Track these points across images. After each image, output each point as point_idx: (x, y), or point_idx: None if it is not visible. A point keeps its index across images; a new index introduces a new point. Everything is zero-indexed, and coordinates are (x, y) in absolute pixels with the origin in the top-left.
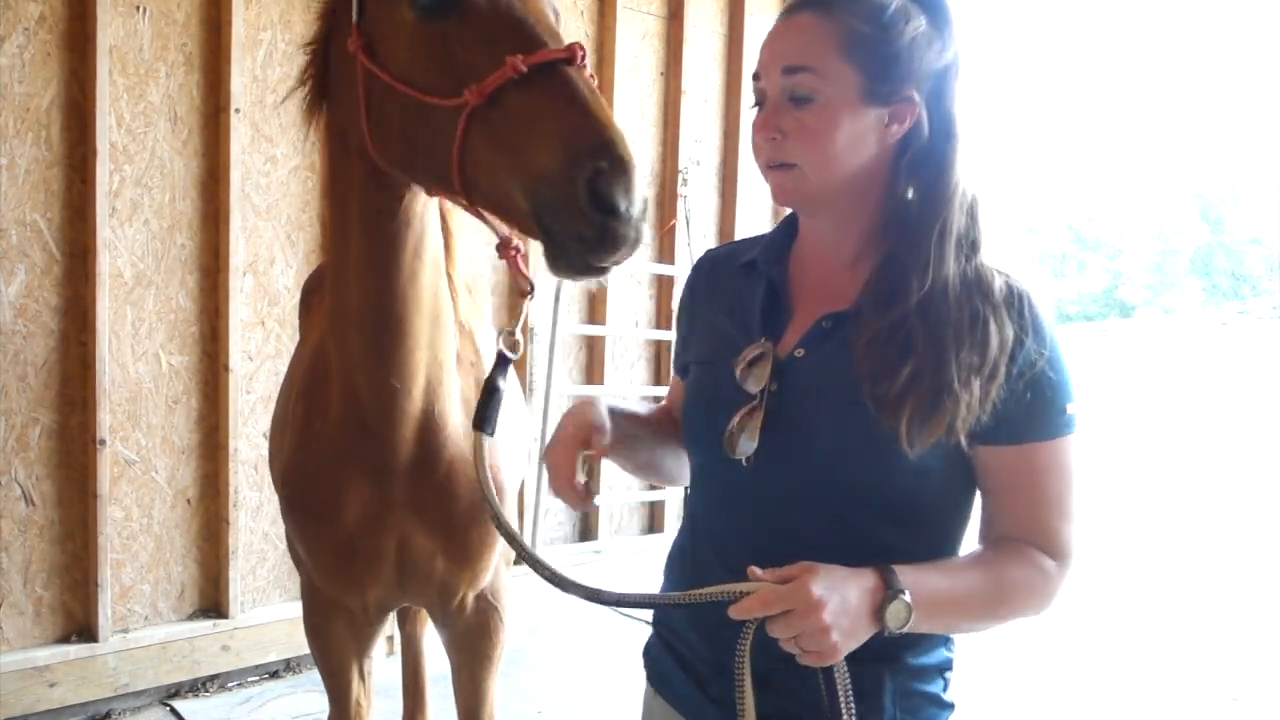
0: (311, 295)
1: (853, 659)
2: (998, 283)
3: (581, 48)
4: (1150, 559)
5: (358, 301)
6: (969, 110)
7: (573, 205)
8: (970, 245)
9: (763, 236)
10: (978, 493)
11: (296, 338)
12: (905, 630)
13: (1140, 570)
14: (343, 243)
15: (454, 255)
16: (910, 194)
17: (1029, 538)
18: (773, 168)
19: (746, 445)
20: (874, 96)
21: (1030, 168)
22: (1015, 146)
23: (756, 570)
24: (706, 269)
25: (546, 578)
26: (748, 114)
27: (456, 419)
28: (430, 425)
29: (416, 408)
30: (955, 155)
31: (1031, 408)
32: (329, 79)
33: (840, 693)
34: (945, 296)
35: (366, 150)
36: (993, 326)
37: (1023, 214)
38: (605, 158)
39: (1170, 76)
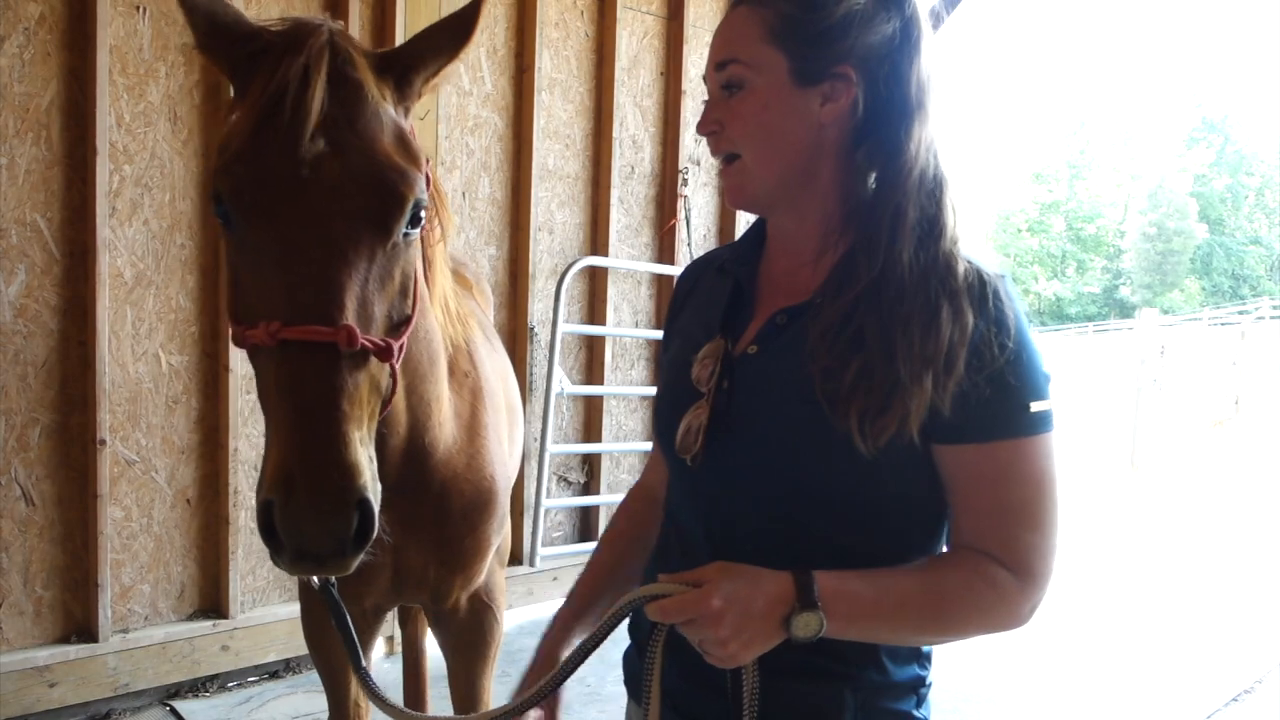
0: None
1: (809, 676)
2: (962, 269)
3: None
4: (1151, 559)
5: None
6: (931, 88)
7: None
8: (931, 230)
9: (741, 238)
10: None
11: None
12: (817, 639)
13: (1141, 570)
14: None
15: (435, 276)
16: (870, 182)
17: (986, 546)
18: (722, 169)
19: (694, 444)
20: (804, 77)
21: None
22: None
23: (663, 577)
24: (691, 276)
25: None
26: None
27: (448, 441)
28: (419, 455)
29: (401, 441)
30: (910, 135)
31: (993, 404)
32: None
33: (746, 694)
34: (900, 285)
35: None
36: (946, 314)
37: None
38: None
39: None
